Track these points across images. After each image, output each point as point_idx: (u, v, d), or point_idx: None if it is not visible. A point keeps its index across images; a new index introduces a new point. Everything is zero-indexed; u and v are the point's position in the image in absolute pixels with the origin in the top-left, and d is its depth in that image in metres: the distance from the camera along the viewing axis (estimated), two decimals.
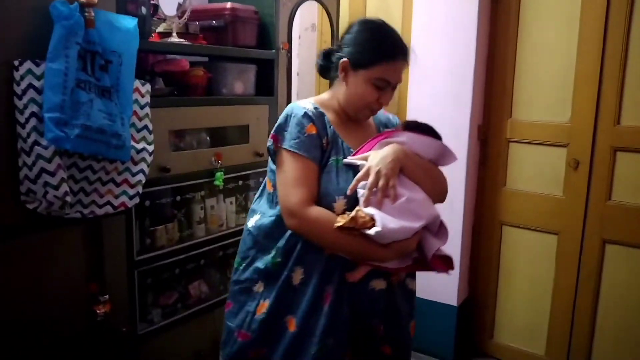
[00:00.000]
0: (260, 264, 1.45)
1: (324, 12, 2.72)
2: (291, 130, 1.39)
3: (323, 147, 1.39)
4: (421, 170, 1.39)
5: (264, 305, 1.42)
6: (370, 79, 1.39)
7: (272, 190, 1.47)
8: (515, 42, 2.61)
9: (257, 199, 1.56)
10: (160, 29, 2.14)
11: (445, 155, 1.45)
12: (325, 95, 1.52)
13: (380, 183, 1.29)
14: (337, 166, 1.38)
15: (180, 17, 2.10)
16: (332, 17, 2.74)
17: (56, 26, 1.52)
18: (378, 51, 1.39)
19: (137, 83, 1.79)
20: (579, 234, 2.53)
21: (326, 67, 1.51)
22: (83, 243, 1.77)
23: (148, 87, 1.84)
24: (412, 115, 2.72)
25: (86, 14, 1.59)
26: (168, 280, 2.13)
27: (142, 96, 1.82)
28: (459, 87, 2.61)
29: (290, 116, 1.41)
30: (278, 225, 1.41)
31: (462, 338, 2.84)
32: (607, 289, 2.50)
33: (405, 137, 1.40)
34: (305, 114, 1.39)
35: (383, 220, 1.26)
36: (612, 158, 2.41)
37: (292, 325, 1.39)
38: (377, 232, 1.25)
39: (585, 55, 2.41)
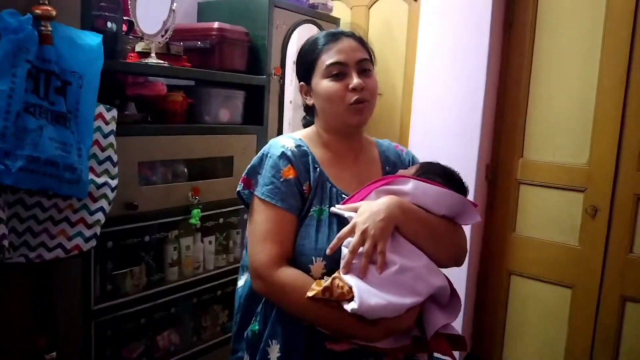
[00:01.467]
0: (248, 332, 1.23)
1: None
2: (265, 174, 1.17)
3: (304, 194, 1.16)
4: (426, 230, 1.11)
5: None
6: (323, 74, 1.19)
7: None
8: (529, 75, 2.40)
9: (244, 252, 1.31)
10: (139, 48, 1.93)
11: (467, 212, 1.15)
12: (311, 129, 1.30)
13: (366, 246, 1.04)
14: (318, 218, 1.15)
15: (161, 36, 1.90)
16: None
17: (2, 40, 1.32)
18: (313, 47, 1.24)
19: (100, 108, 1.57)
20: (596, 289, 2.28)
21: (308, 116, 1.34)
22: (29, 291, 1.53)
23: (114, 113, 1.62)
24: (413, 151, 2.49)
25: (42, 27, 1.39)
26: (132, 332, 1.87)
27: (107, 123, 1.60)
28: (466, 123, 2.40)
29: (266, 156, 1.19)
30: None
31: None
32: (627, 350, 2.24)
33: (411, 186, 1.12)
34: (283, 155, 1.17)
35: (362, 294, 1.00)
36: (634, 206, 2.18)
37: None
38: (352, 310, 1.00)
39: (607, 92, 2.20)
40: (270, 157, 1.18)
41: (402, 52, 2.70)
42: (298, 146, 1.20)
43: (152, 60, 1.87)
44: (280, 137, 1.26)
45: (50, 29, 1.40)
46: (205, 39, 2.09)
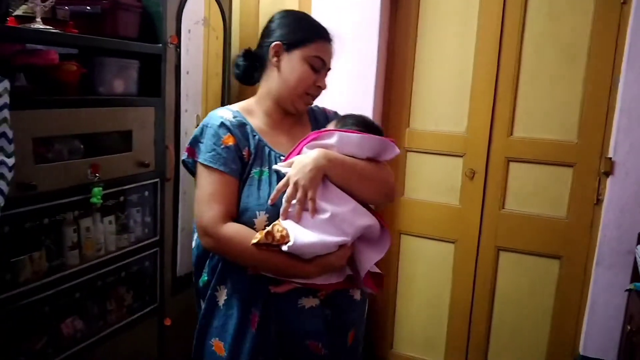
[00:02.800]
0: (198, 282, 1.39)
1: (215, 5, 2.45)
2: (206, 142, 1.30)
3: (243, 159, 1.30)
4: (354, 174, 1.26)
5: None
6: (307, 58, 1.33)
7: None
8: (414, 51, 2.58)
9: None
10: (19, 12, 1.73)
11: (386, 149, 1.31)
12: (251, 100, 1.42)
13: (298, 195, 1.20)
14: (259, 179, 1.29)
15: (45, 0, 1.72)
16: (225, 12, 2.49)
17: None
18: (312, 28, 1.37)
19: None
20: (475, 242, 2.57)
21: (249, 68, 1.40)
22: None
23: (6, 84, 1.45)
24: None
25: None
26: (34, 321, 1.73)
27: None
28: (360, 97, 2.52)
29: (206, 127, 1.32)
30: None
31: (363, 348, 2.76)
32: (501, 295, 2.57)
33: (336, 138, 1.26)
34: (222, 124, 1.31)
35: (297, 234, 1.16)
36: (505, 168, 2.48)
37: (220, 349, 1.32)
38: (288, 247, 1.15)
39: (482, 67, 2.45)
40: (210, 127, 1.31)
41: None
42: (235, 117, 1.33)
43: (39, 25, 1.70)
44: (218, 109, 1.37)
45: None
46: (94, 4, 1.94)
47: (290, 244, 1.15)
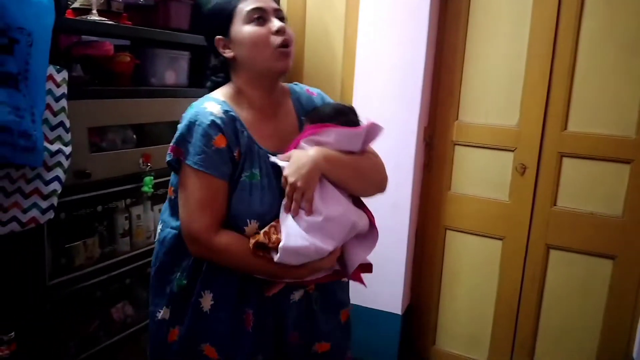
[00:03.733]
0: (167, 288, 1.28)
1: None
2: (195, 143, 1.18)
3: (234, 160, 1.21)
4: (349, 170, 1.24)
5: (175, 332, 1.27)
6: (244, 20, 1.23)
7: (173, 197, 1.29)
8: (464, 42, 2.51)
9: (164, 206, 1.37)
10: (76, 4, 1.77)
11: (373, 132, 1.28)
12: (233, 88, 1.29)
13: (295, 196, 1.17)
14: (250, 182, 1.21)
15: None
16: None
17: None
18: (227, 0, 1.26)
19: (51, 69, 1.46)
20: (524, 240, 2.50)
21: (217, 78, 1.34)
22: None
23: (65, 74, 1.50)
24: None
25: None
26: (87, 305, 1.79)
27: (58, 86, 1.49)
28: (407, 87, 2.47)
29: (195, 124, 1.19)
30: (182, 240, 1.23)
31: (405, 345, 2.74)
32: (550, 294, 2.49)
33: (333, 136, 1.23)
34: (213, 123, 1.18)
35: (289, 237, 1.15)
36: (558, 163, 2.39)
37: (212, 353, 1.25)
38: (280, 250, 1.14)
39: (535, 59, 2.36)
40: (199, 125, 1.18)
41: (342, 15, 2.70)
42: (226, 111, 1.21)
43: (95, 17, 1.74)
44: (204, 101, 1.24)
45: None
46: None
47: (281, 244, 1.14)
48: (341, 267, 1.30)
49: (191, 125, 1.19)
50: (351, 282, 1.39)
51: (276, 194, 1.22)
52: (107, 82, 1.81)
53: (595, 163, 2.34)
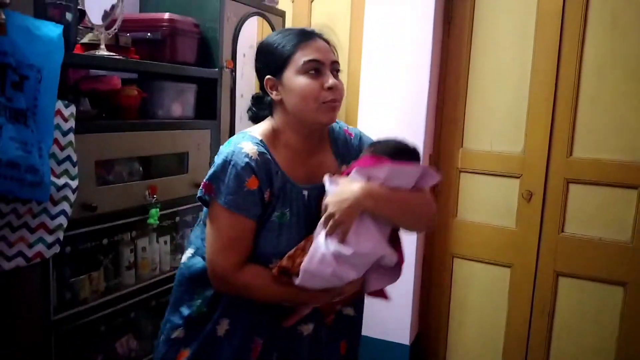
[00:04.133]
0: (185, 310, 1.29)
1: (269, 29, 2.49)
2: (228, 184, 1.19)
3: (264, 201, 1.21)
4: (395, 206, 1.21)
5: (184, 354, 1.28)
6: (298, 70, 1.21)
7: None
8: (468, 69, 2.53)
9: (195, 228, 1.38)
10: (85, 39, 1.80)
11: (427, 176, 1.25)
12: (270, 126, 1.29)
13: (330, 224, 1.16)
14: (280, 223, 1.22)
15: (109, 27, 1.79)
16: None
17: None
18: (289, 41, 1.24)
19: (59, 104, 1.47)
20: (532, 267, 2.47)
21: (259, 113, 1.34)
22: None
23: (73, 109, 1.52)
24: None
25: None
26: (91, 340, 1.76)
27: (66, 120, 1.50)
28: (412, 115, 2.48)
29: (229, 165, 1.19)
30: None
31: None
32: (561, 322, 2.45)
33: (386, 171, 1.20)
34: (247, 165, 1.19)
35: (312, 259, 1.15)
36: (565, 189, 2.38)
37: None
38: (300, 272, 1.15)
39: (539, 85, 2.38)
40: (234, 166, 1.19)
41: (345, 45, 2.74)
42: (261, 153, 1.21)
43: (103, 52, 1.76)
44: (241, 139, 1.24)
45: (3, 17, 1.28)
46: (155, 30, 2.00)
47: (303, 266, 1.15)
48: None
49: (226, 164, 1.20)
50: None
51: (303, 233, 1.22)
52: (114, 116, 1.83)
53: (602, 189, 2.34)
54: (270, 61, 1.26)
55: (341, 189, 1.19)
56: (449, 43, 2.56)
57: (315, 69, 1.21)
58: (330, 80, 1.21)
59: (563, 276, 2.43)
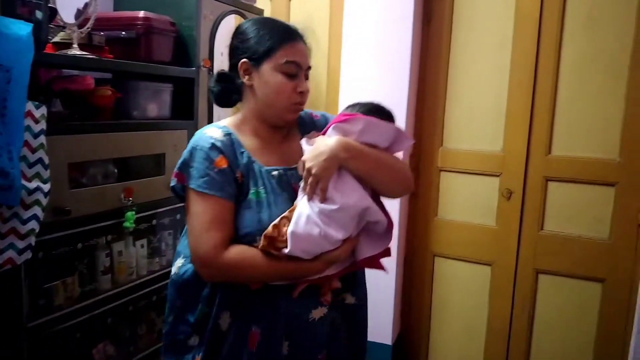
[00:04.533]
0: (191, 317, 1.26)
1: None
2: (198, 167, 1.20)
3: (237, 181, 1.22)
4: (371, 162, 1.20)
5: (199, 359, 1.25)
6: (278, 67, 1.23)
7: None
8: (447, 69, 2.54)
9: (181, 238, 1.35)
10: (57, 38, 1.75)
11: (400, 139, 1.25)
12: (239, 116, 1.32)
13: (309, 181, 1.16)
14: (257, 200, 1.21)
15: (82, 26, 1.74)
16: None
17: None
18: (275, 35, 1.25)
19: (29, 105, 1.43)
20: (513, 265, 2.49)
21: (225, 91, 1.32)
22: None
23: (44, 110, 1.47)
24: None
25: None
26: (67, 347, 1.72)
27: (37, 122, 1.45)
28: None
29: (196, 149, 1.22)
30: None
31: None
32: (541, 319, 2.47)
33: (362, 124, 1.20)
34: (213, 146, 1.21)
35: (299, 222, 1.14)
36: (544, 187, 2.40)
37: None
38: (289, 235, 1.13)
39: (517, 84, 2.39)
40: (200, 149, 1.20)
41: (325, 45, 2.72)
42: (226, 134, 1.24)
43: (76, 51, 1.71)
44: (206, 128, 1.27)
45: None
46: (130, 29, 1.96)
47: (290, 229, 1.13)
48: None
49: (193, 150, 1.21)
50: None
51: (284, 209, 1.20)
52: (88, 117, 1.78)
53: (580, 186, 2.36)
54: (251, 46, 1.25)
55: (317, 145, 1.19)
56: (429, 42, 2.56)
57: (293, 71, 1.23)
58: (304, 86, 1.26)
59: (543, 273, 2.44)
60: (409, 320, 2.74)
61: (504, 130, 2.44)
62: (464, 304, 2.62)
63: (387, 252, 1.26)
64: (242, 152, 1.24)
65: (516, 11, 2.37)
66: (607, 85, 2.26)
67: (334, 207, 1.15)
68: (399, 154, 1.30)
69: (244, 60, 1.25)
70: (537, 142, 2.39)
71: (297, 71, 1.24)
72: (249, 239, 1.18)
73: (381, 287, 2.55)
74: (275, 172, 1.25)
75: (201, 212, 1.18)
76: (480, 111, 2.49)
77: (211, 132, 1.24)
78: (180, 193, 1.24)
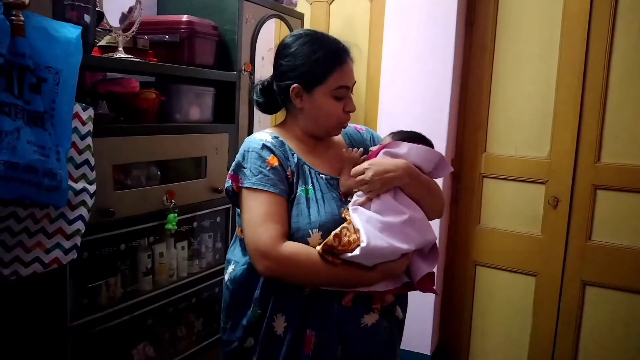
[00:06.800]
0: (244, 320, 1.29)
1: (287, 32, 2.46)
2: (251, 167, 1.25)
3: (289, 179, 1.26)
4: (423, 188, 1.28)
5: None
6: (330, 92, 1.27)
7: (242, 237, 1.29)
8: (491, 73, 2.48)
9: (231, 247, 1.40)
10: (103, 42, 1.78)
11: (441, 167, 1.33)
12: (283, 125, 1.38)
13: (362, 188, 1.23)
14: (306, 197, 1.25)
15: (127, 29, 1.76)
16: None
17: None
18: (327, 61, 1.27)
19: (77, 107, 1.44)
20: (559, 276, 2.40)
21: (268, 102, 1.38)
22: None
23: (91, 112, 1.48)
24: None
25: (13, 17, 1.23)
26: (107, 347, 1.73)
27: (83, 124, 1.46)
28: (433, 120, 2.43)
29: (248, 151, 1.27)
30: (252, 273, 1.26)
31: None
32: (588, 333, 2.38)
33: (407, 148, 1.28)
34: (264, 146, 1.27)
35: (369, 235, 1.15)
36: (592, 196, 2.31)
37: None
38: (361, 248, 1.13)
39: (565, 89, 2.31)
40: (252, 151, 1.26)
41: (365, 49, 2.70)
42: (275, 137, 1.30)
43: (121, 54, 1.74)
44: (254, 133, 1.34)
45: (22, 18, 1.26)
46: (173, 33, 1.97)
47: (363, 244, 1.13)
48: (409, 279, 1.29)
49: (245, 152, 1.27)
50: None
51: (333, 205, 1.25)
52: (132, 119, 1.80)
53: (630, 195, 2.27)
54: (303, 73, 1.27)
55: (382, 161, 1.24)
56: (471, 46, 2.51)
57: (343, 94, 1.28)
58: (351, 106, 1.30)
59: (590, 285, 2.35)
60: (449, 330, 2.68)
61: (551, 136, 2.37)
62: (506, 315, 2.54)
63: (432, 276, 1.29)
64: (293, 155, 1.29)
65: (564, 13, 2.29)
66: None
67: (404, 217, 1.19)
68: (439, 180, 1.37)
69: (294, 85, 1.28)
70: (585, 149, 2.30)
71: (347, 93, 1.29)
72: (301, 234, 1.20)
73: (421, 296, 2.48)
74: (322, 176, 1.30)
75: (257, 206, 1.21)
76: (525, 116, 2.42)
77: (261, 136, 1.29)
78: (233, 196, 1.30)
